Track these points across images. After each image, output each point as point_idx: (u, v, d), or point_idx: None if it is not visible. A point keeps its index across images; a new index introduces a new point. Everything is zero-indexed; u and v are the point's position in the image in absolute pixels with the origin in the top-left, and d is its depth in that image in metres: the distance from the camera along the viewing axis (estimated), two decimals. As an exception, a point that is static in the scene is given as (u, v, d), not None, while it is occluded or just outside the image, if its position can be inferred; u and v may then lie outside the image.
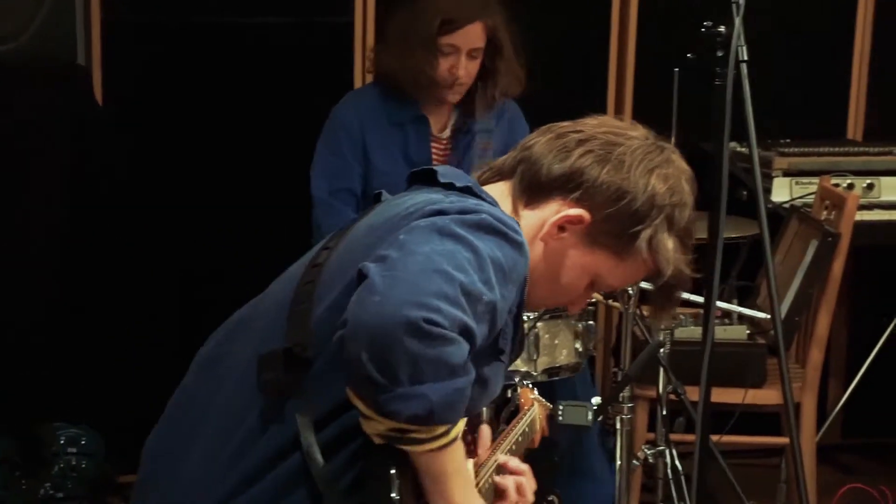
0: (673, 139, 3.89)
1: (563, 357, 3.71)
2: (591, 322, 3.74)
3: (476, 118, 3.95)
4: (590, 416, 3.28)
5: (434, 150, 4.01)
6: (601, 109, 4.79)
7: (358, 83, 4.56)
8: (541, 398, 2.78)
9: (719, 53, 3.07)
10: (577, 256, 2.12)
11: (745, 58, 3.06)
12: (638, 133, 2.16)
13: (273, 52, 4.58)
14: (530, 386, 3.46)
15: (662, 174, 2.11)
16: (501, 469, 2.20)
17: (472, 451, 2.17)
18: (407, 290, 1.79)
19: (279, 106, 4.57)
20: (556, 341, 3.69)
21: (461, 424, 1.88)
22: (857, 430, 5.13)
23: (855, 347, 5.01)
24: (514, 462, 2.21)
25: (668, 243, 2.10)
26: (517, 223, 2.03)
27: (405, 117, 3.97)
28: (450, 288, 1.81)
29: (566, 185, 2.11)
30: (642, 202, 2.09)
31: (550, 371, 3.68)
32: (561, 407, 3.18)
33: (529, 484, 2.19)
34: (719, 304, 3.38)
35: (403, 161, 3.91)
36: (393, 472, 1.87)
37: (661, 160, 2.13)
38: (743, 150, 4.85)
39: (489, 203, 2.05)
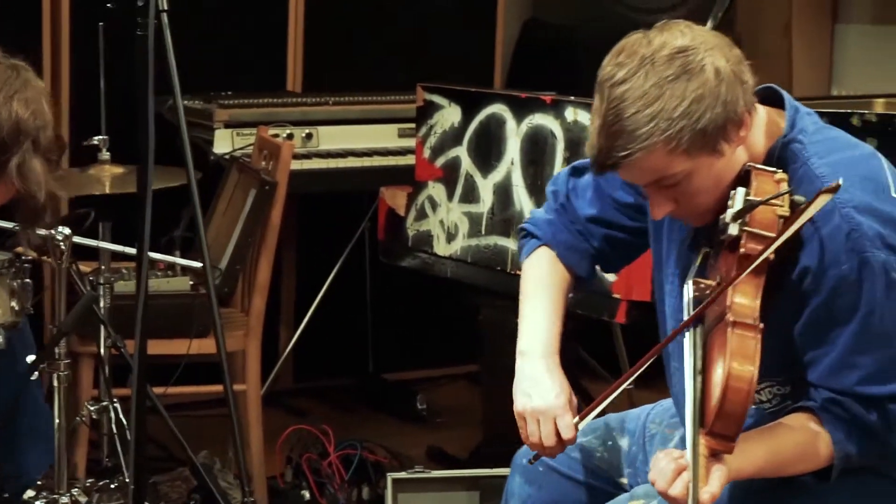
0: (102, 94, 3.87)
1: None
2: (27, 280, 3.65)
3: None
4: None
5: None
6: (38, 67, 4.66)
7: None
8: None
9: (139, 3, 3.05)
10: None
11: (166, 7, 3.06)
12: None
13: None
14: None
15: (23, 99, 2.11)
16: None
17: None
18: None
19: None
20: (-9, 300, 3.58)
21: None
22: (308, 374, 5.29)
23: (303, 293, 5.15)
24: None
25: (37, 167, 2.11)
26: None
27: None
28: None
29: None
30: (7, 131, 2.08)
31: (-13, 330, 3.56)
32: None
33: None
34: (153, 255, 3.36)
35: None
36: None
37: (20, 84, 2.12)
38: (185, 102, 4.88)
39: None
